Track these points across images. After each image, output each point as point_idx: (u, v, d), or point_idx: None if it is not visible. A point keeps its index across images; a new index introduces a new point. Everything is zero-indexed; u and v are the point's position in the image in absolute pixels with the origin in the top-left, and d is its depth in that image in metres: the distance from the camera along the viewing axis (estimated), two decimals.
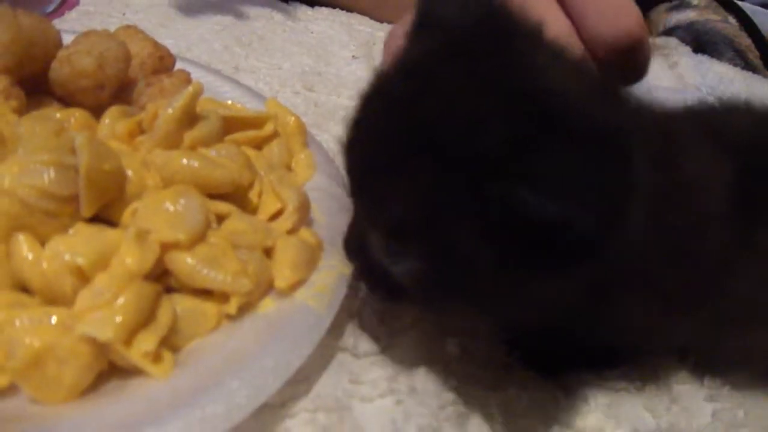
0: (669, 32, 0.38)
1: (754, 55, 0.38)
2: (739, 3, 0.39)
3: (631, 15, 0.19)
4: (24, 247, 0.17)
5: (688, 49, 0.37)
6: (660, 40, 0.38)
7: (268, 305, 0.19)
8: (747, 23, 0.39)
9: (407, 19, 0.19)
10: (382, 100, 0.16)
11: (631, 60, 0.19)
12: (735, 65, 0.37)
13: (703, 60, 0.36)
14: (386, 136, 0.15)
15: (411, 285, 0.16)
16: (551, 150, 0.13)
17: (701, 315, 0.18)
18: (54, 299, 0.17)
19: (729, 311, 0.19)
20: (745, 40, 0.39)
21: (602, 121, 0.14)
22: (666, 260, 0.16)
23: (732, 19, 0.39)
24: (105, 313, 0.16)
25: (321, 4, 0.44)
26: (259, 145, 0.24)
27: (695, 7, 0.39)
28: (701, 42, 0.38)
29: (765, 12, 0.42)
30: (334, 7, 0.44)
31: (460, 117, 0.14)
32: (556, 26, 0.19)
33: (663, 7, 0.39)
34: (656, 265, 0.16)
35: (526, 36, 0.16)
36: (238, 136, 0.23)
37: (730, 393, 0.21)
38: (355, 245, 0.18)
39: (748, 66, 0.37)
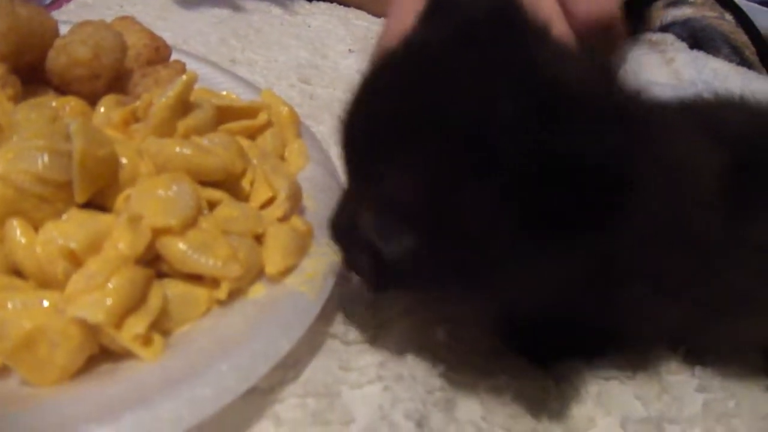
0: (665, 29, 0.38)
1: (750, 51, 0.38)
2: (736, 0, 0.39)
3: None
4: (17, 231, 0.18)
5: (684, 46, 0.37)
6: (656, 37, 0.38)
7: (259, 291, 0.19)
8: (744, 20, 0.39)
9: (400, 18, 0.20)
10: (389, 78, 0.16)
11: (609, 35, 0.22)
12: (731, 62, 0.37)
13: (699, 56, 0.36)
14: (391, 111, 0.15)
15: (403, 265, 0.16)
16: (569, 119, 0.13)
17: (691, 302, 0.19)
18: (46, 283, 0.17)
19: (719, 301, 0.19)
20: (741, 37, 0.39)
21: (610, 106, 0.14)
22: (656, 243, 0.17)
23: (728, 16, 0.39)
24: (96, 296, 0.16)
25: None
26: (252, 134, 0.24)
27: (692, 3, 0.39)
28: (697, 38, 0.38)
29: (762, 9, 0.42)
30: (331, 1, 0.45)
31: (471, 94, 0.14)
32: (547, 5, 0.20)
33: (660, 3, 0.39)
34: (647, 247, 0.16)
35: (535, 31, 0.16)
36: (232, 125, 0.23)
37: (721, 383, 0.21)
38: (343, 225, 0.18)
39: (744, 62, 0.37)
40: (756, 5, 0.42)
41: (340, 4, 0.45)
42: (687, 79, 0.35)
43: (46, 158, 0.18)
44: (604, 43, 0.22)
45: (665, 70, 0.36)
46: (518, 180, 0.14)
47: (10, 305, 0.16)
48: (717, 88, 0.33)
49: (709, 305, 0.19)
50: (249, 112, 0.24)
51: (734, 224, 0.18)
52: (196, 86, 0.22)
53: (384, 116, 0.15)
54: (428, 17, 0.17)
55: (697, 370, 0.21)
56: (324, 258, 0.20)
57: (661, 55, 0.36)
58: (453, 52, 0.15)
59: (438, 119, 0.14)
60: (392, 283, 0.17)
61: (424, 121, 0.15)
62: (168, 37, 0.29)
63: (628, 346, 0.21)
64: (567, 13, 0.21)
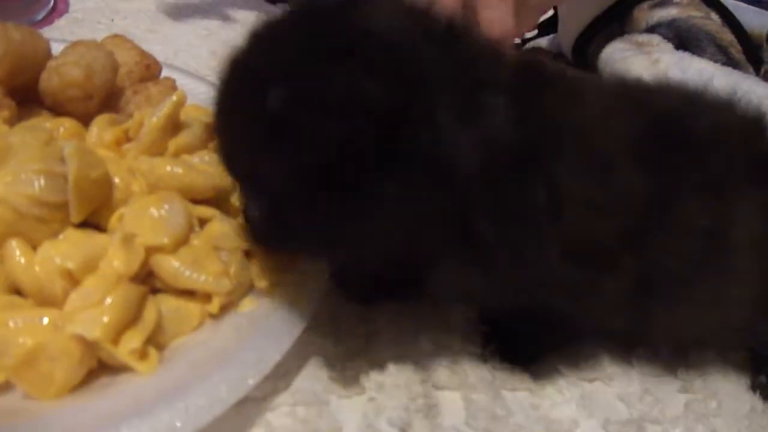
0: (652, 29, 0.39)
1: (736, 50, 0.39)
2: None
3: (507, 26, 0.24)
4: (17, 252, 0.18)
5: (670, 46, 0.37)
6: (642, 38, 0.38)
7: (249, 304, 0.20)
8: (729, 19, 0.39)
9: None
10: (232, 68, 0.17)
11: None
12: (717, 61, 0.37)
13: (685, 57, 0.36)
14: (233, 97, 0.17)
15: (263, 230, 0.18)
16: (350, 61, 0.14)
17: (623, 279, 0.18)
18: (46, 301, 0.18)
19: (653, 284, 0.18)
20: (727, 36, 0.39)
21: (404, 46, 0.15)
22: (555, 203, 0.16)
23: (714, 15, 0.40)
24: (93, 313, 0.17)
25: None
26: None
27: (677, 4, 0.40)
28: (683, 39, 0.38)
29: (747, 7, 0.42)
30: None
31: (275, 64, 0.16)
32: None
33: (646, 4, 0.40)
34: (545, 206, 0.16)
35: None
36: None
37: (703, 383, 0.22)
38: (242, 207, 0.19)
39: (730, 61, 0.38)
40: (742, 4, 0.42)
41: None
42: (673, 80, 0.35)
43: (42, 181, 0.19)
44: None
45: (651, 70, 0.36)
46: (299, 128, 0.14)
47: (11, 323, 0.17)
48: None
49: (642, 285, 0.18)
50: None
51: (659, 203, 0.17)
52: (186, 102, 0.23)
53: (228, 102, 0.17)
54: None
55: (680, 371, 0.22)
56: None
57: (647, 56, 0.37)
58: (273, 36, 0.16)
59: (253, 96, 0.15)
60: (264, 240, 0.19)
61: (246, 100, 0.16)
62: (158, 50, 0.29)
63: (600, 339, 0.21)
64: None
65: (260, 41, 0.17)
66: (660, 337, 0.22)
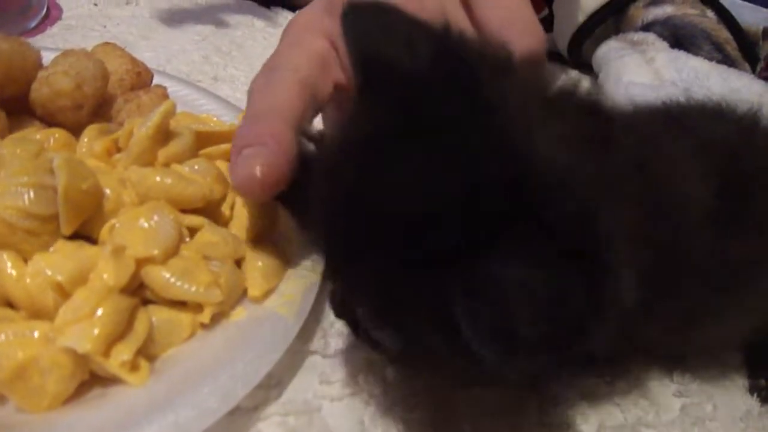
0: (647, 28, 0.38)
1: (732, 47, 0.39)
2: None
3: (536, 33, 0.19)
4: (8, 264, 0.18)
5: (665, 45, 0.37)
6: (637, 36, 0.38)
7: (240, 314, 0.20)
8: (725, 16, 0.39)
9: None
10: (335, 183, 0.14)
11: (536, 67, 0.19)
12: (713, 58, 0.37)
13: (680, 56, 0.36)
14: (344, 223, 0.14)
15: (391, 348, 0.16)
16: (505, 251, 0.12)
17: (669, 316, 0.18)
18: (37, 313, 0.18)
19: (691, 313, 0.18)
20: (723, 33, 0.39)
21: (579, 213, 0.12)
22: (649, 278, 0.15)
23: (710, 13, 0.39)
24: (84, 326, 0.17)
25: (302, 8, 0.45)
26: None
27: (673, 2, 0.39)
28: (679, 36, 0.38)
29: (743, 4, 0.42)
30: None
31: (414, 208, 0.13)
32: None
33: (641, 2, 0.40)
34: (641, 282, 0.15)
35: (493, 75, 0.13)
36: (212, 150, 0.24)
37: (699, 387, 0.22)
38: (340, 306, 0.18)
39: (726, 58, 0.37)
40: (738, 0, 0.42)
41: None
42: (668, 79, 0.35)
43: (32, 194, 0.19)
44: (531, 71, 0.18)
45: (646, 69, 0.36)
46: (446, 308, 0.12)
47: (2, 336, 0.17)
48: (698, 87, 0.33)
49: (682, 319, 0.18)
50: (229, 136, 0.24)
51: (720, 243, 0.17)
52: (178, 109, 0.23)
53: (336, 227, 0.15)
54: (363, 91, 0.14)
55: (676, 374, 0.22)
56: (302, 279, 0.21)
57: (642, 55, 0.37)
58: (392, 148, 0.13)
59: (381, 232, 0.13)
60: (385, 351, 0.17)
61: (369, 232, 0.13)
62: (151, 56, 0.29)
63: (610, 359, 0.21)
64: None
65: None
66: (692, 353, 0.21)
